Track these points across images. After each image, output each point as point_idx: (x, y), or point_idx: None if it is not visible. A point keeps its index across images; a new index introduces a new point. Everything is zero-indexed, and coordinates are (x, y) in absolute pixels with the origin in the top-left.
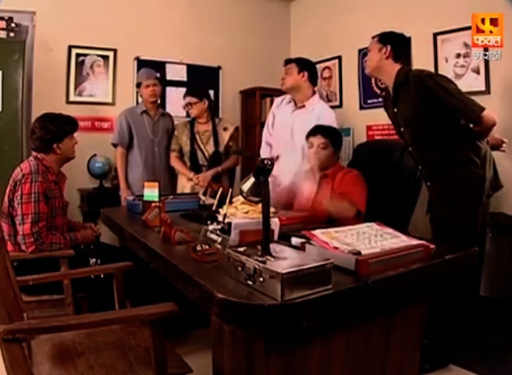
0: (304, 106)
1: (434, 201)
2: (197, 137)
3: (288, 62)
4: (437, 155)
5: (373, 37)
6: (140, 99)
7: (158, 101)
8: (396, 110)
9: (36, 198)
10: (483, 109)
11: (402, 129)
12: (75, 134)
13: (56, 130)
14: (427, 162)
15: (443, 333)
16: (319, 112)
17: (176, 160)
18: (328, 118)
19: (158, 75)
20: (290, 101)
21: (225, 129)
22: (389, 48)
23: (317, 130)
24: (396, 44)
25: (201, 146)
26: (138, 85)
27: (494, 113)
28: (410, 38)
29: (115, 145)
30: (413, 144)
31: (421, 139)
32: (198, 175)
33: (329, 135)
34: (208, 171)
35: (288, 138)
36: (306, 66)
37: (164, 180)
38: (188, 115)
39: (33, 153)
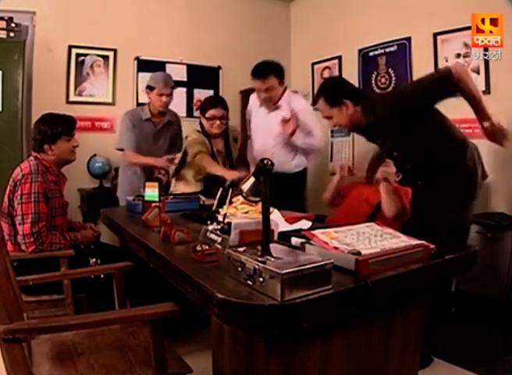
0: (278, 107)
1: (425, 198)
2: (218, 157)
3: (266, 74)
4: (424, 158)
5: (316, 104)
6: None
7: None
8: (380, 141)
9: (36, 198)
10: (448, 68)
11: (395, 153)
12: (76, 136)
13: (47, 130)
14: (414, 164)
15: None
16: (292, 105)
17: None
18: (299, 101)
19: (173, 82)
20: (261, 106)
21: (236, 140)
22: (347, 102)
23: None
24: (348, 93)
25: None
26: (150, 88)
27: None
28: (410, 38)
29: (120, 150)
30: (397, 150)
31: (404, 147)
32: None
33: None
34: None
35: (270, 140)
36: (282, 74)
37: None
38: (189, 114)
39: (34, 153)
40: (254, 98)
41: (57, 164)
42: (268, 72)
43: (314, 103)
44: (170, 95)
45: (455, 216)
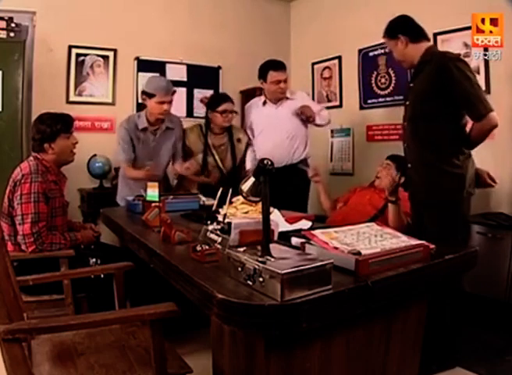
0: (287, 98)
1: (414, 183)
2: (214, 152)
3: (283, 67)
4: (428, 134)
5: (384, 37)
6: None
7: None
8: (412, 85)
9: (36, 198)
10: (492, 110)
11: (407, 103)
12: (75, 134)
13: (46, 129)
14: (415, 140)
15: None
16: (300, 98)
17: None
18: (307, 98)
19: (174, 89)
20: (265, 102)
21: (239, 140)
22: (402, 38)
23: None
24: (405, 29)
25: (219, 163)
26: (149, 95)
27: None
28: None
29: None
30: (410, 119)
31: (420, 114)
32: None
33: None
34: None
35: (283, 131)
36: None
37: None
38: (190, 115)
39: (33, 153)
40: (252, 104)
41: (57, 163)
42: (284, 65)
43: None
44: (171, 102)
45: (447, 210)
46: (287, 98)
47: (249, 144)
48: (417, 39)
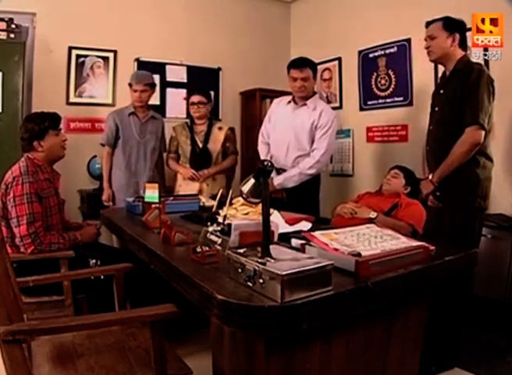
0: (305, 104)
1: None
2: (196, 137)
3: (304, 64)
4: (454, 137)
5: (430, 23)
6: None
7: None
8: (442, 91)
9: (29, 199)
10: (484, 129)
11: (436, 108)
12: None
13: (34, 127)
14: (440, 142)
15: (444, 337)
16: (320, 109)
17: (174, 162)
18: (328, 114)
19: (151, 80)
20: (290, 102)
21: (220, 128)
22: (457, 36)
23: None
24: (462, 32)
25: (200, 146)
26: (130, 85)
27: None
28: (410, 39)
29: (103, 145)
30: (438, 122)
31: (448, 118)
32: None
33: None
34: (208, 170)
35: (288, 136)
36: (316, 69)
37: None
38: (188, 114)
39: (25, 154)
40: (276, 102)
41: (48, 161)
42: (305, 63)
43: (427, 24)
44: (144, 92)
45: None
46: (305, 105)
47: (231, 136)
48: (462, 45)
